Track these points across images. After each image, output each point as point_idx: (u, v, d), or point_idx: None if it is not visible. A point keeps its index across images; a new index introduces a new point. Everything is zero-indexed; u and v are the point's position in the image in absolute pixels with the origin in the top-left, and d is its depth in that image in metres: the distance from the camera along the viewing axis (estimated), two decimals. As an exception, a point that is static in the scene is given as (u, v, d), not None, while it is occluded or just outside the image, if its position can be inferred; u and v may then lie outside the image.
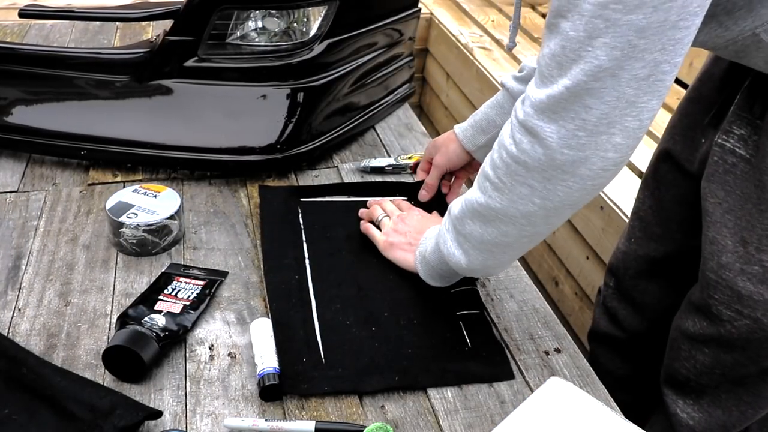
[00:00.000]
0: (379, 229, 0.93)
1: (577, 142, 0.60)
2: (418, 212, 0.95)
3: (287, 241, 0.94)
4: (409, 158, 1.14)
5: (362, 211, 0.98)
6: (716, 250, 0.81)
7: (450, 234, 0.77)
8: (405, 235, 0.89)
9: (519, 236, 0.70)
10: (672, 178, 0.95)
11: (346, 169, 1.13)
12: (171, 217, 0.91)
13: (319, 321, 0.81)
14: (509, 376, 0.76)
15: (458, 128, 1.02)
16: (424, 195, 1.03)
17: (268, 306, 0.83)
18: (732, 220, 0.79)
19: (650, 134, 1.49)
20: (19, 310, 0.81)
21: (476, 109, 1.01)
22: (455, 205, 0.76)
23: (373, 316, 0.82)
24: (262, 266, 0.90)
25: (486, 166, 0.70)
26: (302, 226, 0.97)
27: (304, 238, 0.95)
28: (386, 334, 0.79)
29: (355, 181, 1.10)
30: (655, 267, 1.01)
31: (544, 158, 0.62)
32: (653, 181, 0.98)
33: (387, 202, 0.98)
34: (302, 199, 1.03)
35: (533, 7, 2.34)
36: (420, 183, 1.06)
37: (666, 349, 0.95)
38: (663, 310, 1.01)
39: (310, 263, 0.90)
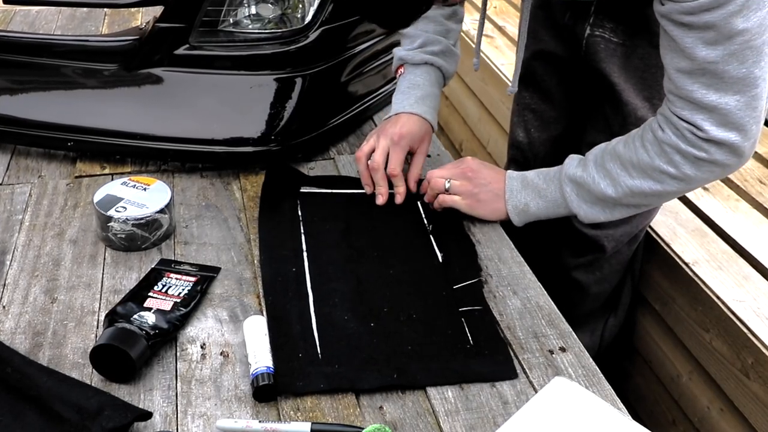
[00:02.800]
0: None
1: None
2: (471, 161, 0.97)
3: (285, 232, 0.93)
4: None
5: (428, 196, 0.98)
6: (630, 110, 1.02)
7: (598, 172, 0.88)
8: (487, 186, 0.94)
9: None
10: (548, 70, 1.13)
11: (343, 161, 1.11)
12: (161, 211, 0.89)
13: (316, 315, 0.79)
14: (512, 375, 0.74)
15: (432, 119, 1.04)
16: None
17: (263, 300, 0.81)
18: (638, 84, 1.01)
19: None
20: (4, 307, 0.80)
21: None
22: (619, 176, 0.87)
23: (372, 312, 0.80)
24: (257, 257, 0.88)
25: (663, 164, 0.84)
26: (301, 218, 0.96)
27: (302, 230, 0.93)
28: (385, 330, 0.78)
29: (353, 174, 1.08)
30: (558, 143, 1.20)
31: (739, 162, 0.83)
32: (532, 77, 1.14)
33: (436, 171, 0.97)
34: (302, 190, 1.02)
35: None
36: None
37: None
38: None
39: (308, 255, 0.89)
